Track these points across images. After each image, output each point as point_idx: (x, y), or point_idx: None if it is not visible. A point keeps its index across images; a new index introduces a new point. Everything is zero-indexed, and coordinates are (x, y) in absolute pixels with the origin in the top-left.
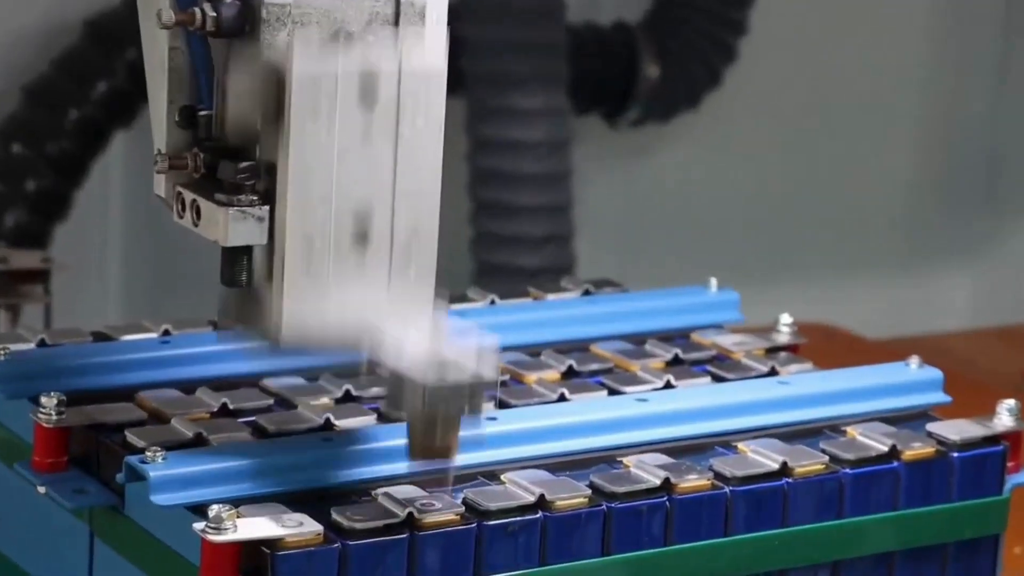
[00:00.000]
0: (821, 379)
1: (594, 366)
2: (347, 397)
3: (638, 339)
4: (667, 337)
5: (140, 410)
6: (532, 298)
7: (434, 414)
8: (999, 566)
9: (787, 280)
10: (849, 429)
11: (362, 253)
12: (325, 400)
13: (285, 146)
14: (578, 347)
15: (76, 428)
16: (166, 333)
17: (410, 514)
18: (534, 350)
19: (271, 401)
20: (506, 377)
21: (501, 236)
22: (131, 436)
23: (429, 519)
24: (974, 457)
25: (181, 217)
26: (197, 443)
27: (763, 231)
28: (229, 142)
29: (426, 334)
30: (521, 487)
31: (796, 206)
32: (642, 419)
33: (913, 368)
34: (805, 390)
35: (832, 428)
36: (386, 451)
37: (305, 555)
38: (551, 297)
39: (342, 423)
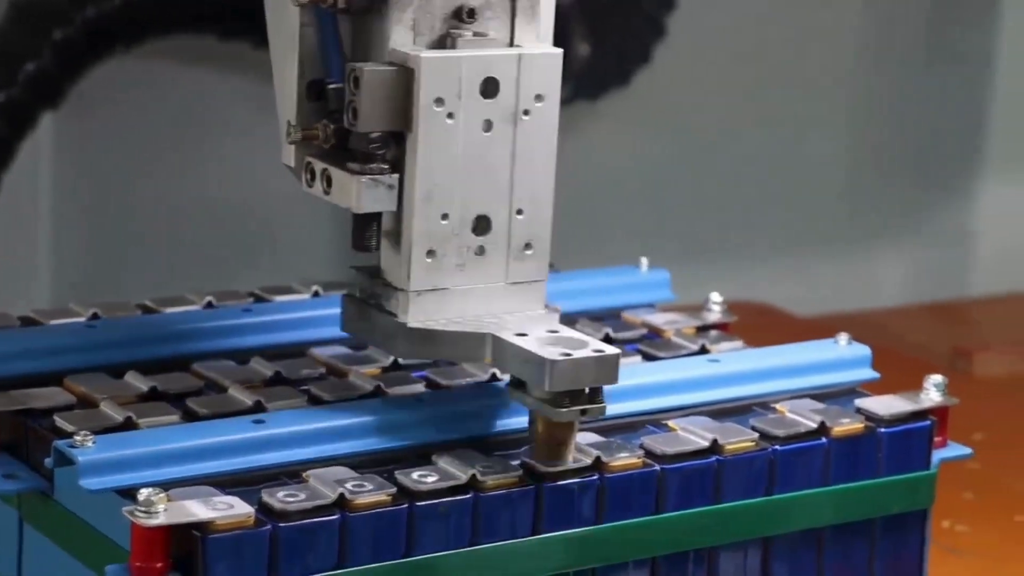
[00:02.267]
0: (751, 357)
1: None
2: (278, 379)
3: (568, 319)
4: (598, 317)
5: (68, 394)
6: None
7: (561, 401)
8: (927, 540)
9: (719, 259)
10: (778, 406)
11: (482, 251)
12: (256, 383)
13: (414, 140)
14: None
15: (4, 413)
16: (94, 317)
17: (341, 495)
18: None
19: (201, 384)
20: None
21: None
22: (60, 421)
23: (360, 500)
24: (902, 432)
25: (310, 186)
26: (126, 427)
27: (695, 210)
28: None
29: (545, 327)
30: (452, 468)
31: (728, 184)
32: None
33: (842, 345)
34: (735, 368)
35: (762, 405)
36: (316, 433)
37: (236, 538)
38: (278, 299)
39: (272, 405)
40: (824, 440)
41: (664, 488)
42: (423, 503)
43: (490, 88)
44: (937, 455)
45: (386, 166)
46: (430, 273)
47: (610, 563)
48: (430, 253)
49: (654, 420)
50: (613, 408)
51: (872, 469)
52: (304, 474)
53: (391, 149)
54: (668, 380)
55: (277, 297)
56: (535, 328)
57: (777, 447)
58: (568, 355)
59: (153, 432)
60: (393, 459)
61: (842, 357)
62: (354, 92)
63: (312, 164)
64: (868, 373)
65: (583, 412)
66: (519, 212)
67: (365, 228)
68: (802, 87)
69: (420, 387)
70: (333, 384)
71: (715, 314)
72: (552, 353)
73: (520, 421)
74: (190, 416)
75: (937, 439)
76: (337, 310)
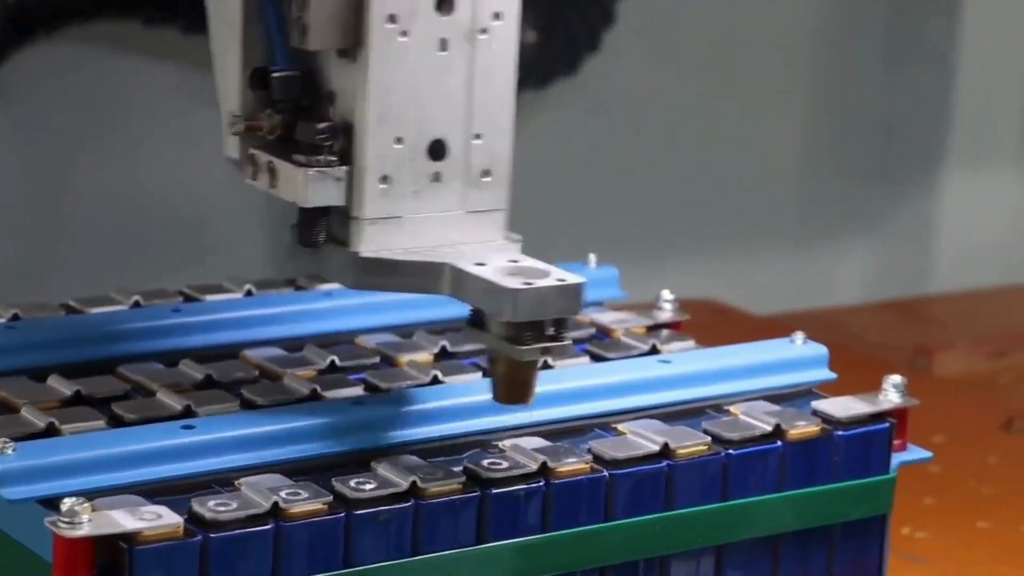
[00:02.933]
0: (704, 357)
1: (470, 347)
2: (208, 383)
3: (406, 331)
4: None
5: None
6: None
7: (520, 338)
8: (887, 547)
9: (671, 255)
10: (732, 408)
11: (438, 178)
12: (185, 386)
13: (365, 58)
14: (451, 327)
15: None
16: (15, 318)
17: (275, 504)
18: (406, 331)
19: (127, 388)
20: (376, 359)
21: None
22: None
23: (295, 509)
24: (860, 435)
25: (254, 179)
26: (49, 433)
27: (647, 203)
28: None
29: (505, 257)
30: (391, 474)
31: (682, 176)
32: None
33: (798, 344)
34: (687, 368)
35: (715, 407)
36: (249, 439)
37: (164, 549)
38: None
39: (203, 410)
40: (779, 443)
41: (613, 494)
42: (361, 512)
43: (445, 4)
44: (896, 459)
45: (334, 158)
46: (384, 200)
47: (557, 573)
48: (384, 179)
49: (602, 424)
50: (559, 411)
51: (829, 473)
52: (236, 482)
53: (339, 140)
54: (617, 382)
55: (208, 296)
56: (495, 258)
57: (731, 451)
58: (530, 284)
59: (77, 439)
60: (330, 466)
61: (798, 357)
62: (302, 8)
63: (256, 156)
64: (825, 373)
65: (545, 351)
66: (477, 137)
67: (313, 224)
68: (757, 77)
69: (358, 390)
70: (267, 387)
71: (666, 312)
72: (514, 282)
73: (465, 425)
74: (116, 421)
75: (896, 442)
76: (272, 310)
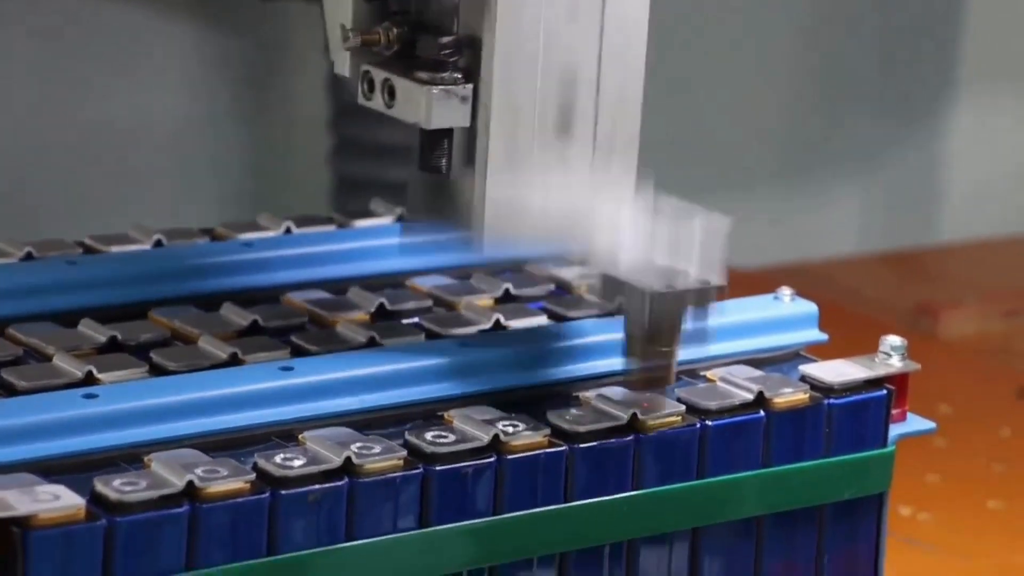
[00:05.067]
0: None
1: (410, 304)
2: (112, 345)
3: (462, 272)
4: (496, 270)
5: None
6: (336, 225)
7: (659, 321)
8: (884, 529)
9: None
10: (709, 373)
11: (567, 135)
12: (86, 349)
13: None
14: (391, 282)
15: None
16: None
17: (190, 483)
18: (340, 286)
19: (20, 352)
20: (305, 319)
21: (364, 144)
22: None
23: (213, 488)
24: (854, 404)
25: (368, 99)
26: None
27: None
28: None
29: (643, 232)
30: (323, 448)
31: (658, 118)
32: (467, 367)
33: (784, 301)
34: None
35: (689, 373)
36: (159, 409)
37: (63, 534)
38: (359, 224)
39: (107, 376)
40: (763, 414)
41: (573, 472)
42: (289, 491)
43: None
44: (895, 430)
45: (459, 75)
46: (510, 167)
47: (510, 560)
48: (510, 152)
49: (561, 392)
50: (514, 377)
51: (819, 447)
52: (145, 458)
53: (464, 56)
54: (578, 344)
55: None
56: (630, 229)
57: (708, 422)
58: (670, 287)
59: None
60: (251, 440)
61: (784, 316)
62: None
63: (371, 74)
64: (815, 334)
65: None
66: (606, 108)
67: (434, 146)
68: (744, 3)
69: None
70: (180, 351)
71: None
72: (650, 282)
73: (404, 393)
74: (8, 390)
75: (895, 412)
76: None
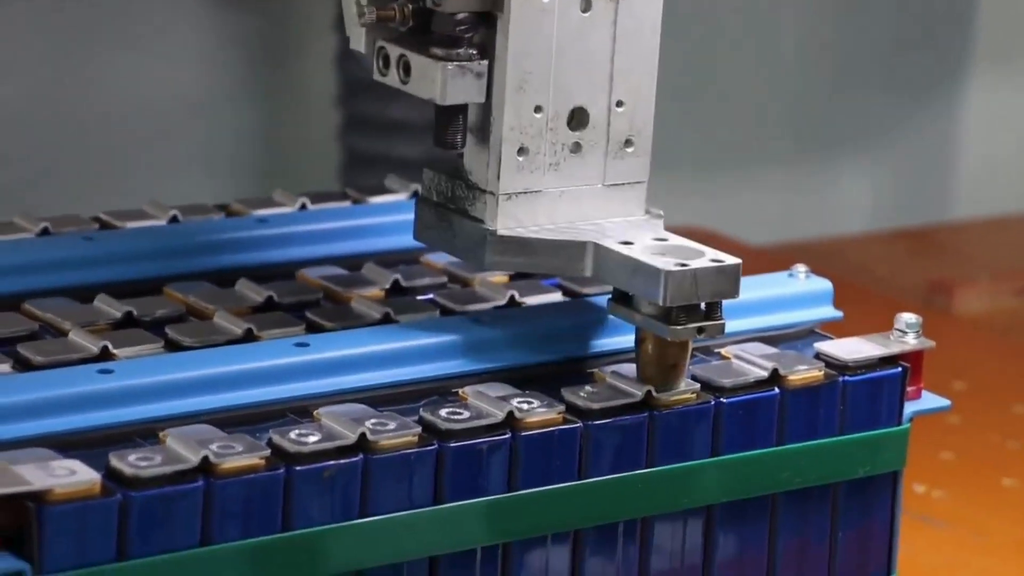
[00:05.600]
0: None
1: (425, 281)
2: (128, 320)
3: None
4: None
5: None
6: (351, 201)
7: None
8: (898, 507)
9: (655, 178)
10: (723, 351)
11: (578, 149)
12: (102, 324)
13: (505, 21)
14: (406, 259)
15: None
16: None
17: (205, 458)
18: (354, 263)
19: (36, 327)
20: (320, 295)
21: (375, 120)
22: None
23: (228, 464)
24: (868, 382)
25: (383, 75)
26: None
27: None
28: None
29: (650, 234)
30: (337, 425)
31: (663, 90)
32: (481, 343)
33: (799, 278)
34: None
35: (704, 350)
36: (174, 384)
37: (79, 509)
38: (374, 200)
39: (122, 352)
40: (777, 391)
41: (588, 449)
42: (303, 467)
43: None
44: (910, 408)
45: (474, 51)
46: (521, 173)
47: (524, 537)
48: (521, 151)
49: (576, 369)
50: (528, 354)
51: (833, 425)
52: (160, 433)
53: (479, 32)
54: (592, 321)
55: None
56: (640, 235)
57: (722, 399)
58: (684, 265)
59: None
60: (266, 416)
61: (799, 293)
62: None
63: (386, 49)
64: (829, 311)
65: (700, 331)
66: (619, 104)
67: (449, 122)
68: None
69: (299, 329)
70: (195, 327)
71: None
72: (666, 263)
73: (419, 370)
74: (24, 365)
75: (910, 389)
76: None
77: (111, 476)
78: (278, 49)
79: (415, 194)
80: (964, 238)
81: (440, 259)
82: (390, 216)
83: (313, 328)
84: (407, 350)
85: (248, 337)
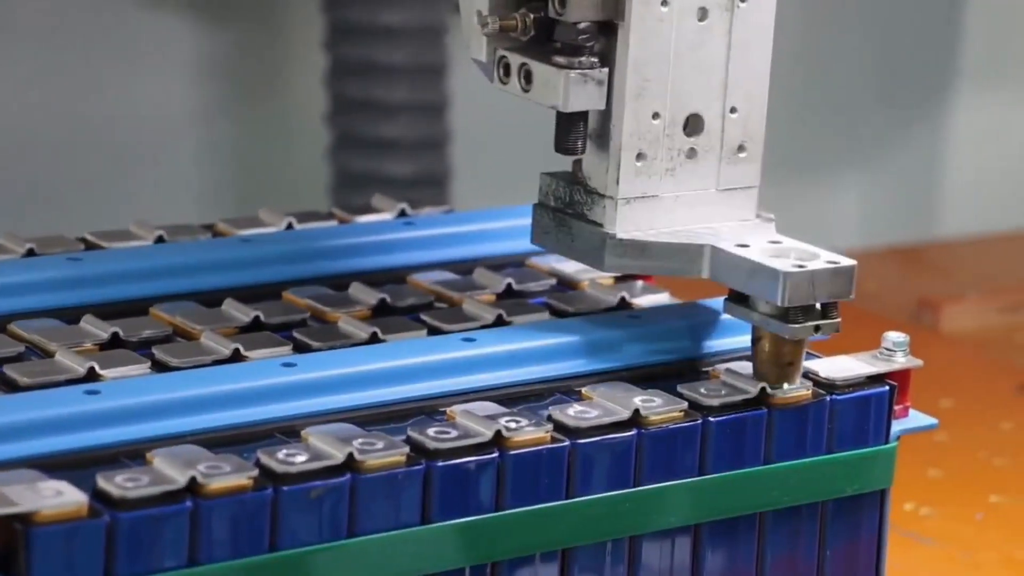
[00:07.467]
0: (679, 311)
1: (412, 300)
2: (114, 341)
3: (464, 267)
4: (498, 264)
5: None
6: (337, 221)
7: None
8: (886, 525)
9: None
10: (711, 370)
11: (693, 155)
12: (88, 345)
13: (626, 30)
14: (393, 278)
15: None
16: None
17: (192, 479)
18: (340, 282)
19: (22, 348)
20: (306, 315)
21: (365, 139)
22: None
23: (215, 485)
24: (856, 400)
25: (504, 83)
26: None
27: None
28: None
29: (764, 237)
30: (324, 444)
31: None
32: (469, 362)
33: None
34: (659, 325)
35: (691, 369)
36: (161, 405)
37: (66, 530)
38: (360, 219)
39: (109, 372)
40: (764, 410)
41: (575, 468)
42: (291, 487)
43: None
44: (898, 426)
45: (595, 59)
46: (639, 178)
47: (512, 556)
48: (640, 156)
49: (564, 387)
50: (516, 374)
51: (821, 443)
52: (148, 454)
53: (599, 41)
54: (581, 340)
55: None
56: (755, 238)
57: (709, 418)
58: (802, 267)
59: None
60: (253, 436)
61: None
62: None
63: (507, 59)
64: None
65: (817, 328)
66: (733, 111)
67: (571, 128)
68: None
69: (286, 349)
70: (182, 347)
71: None
72: (784, 264)
73: (407, 390)
74: (10, 387)
75: (898, 407)
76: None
77: (98, 497)
78: (267, 68)
79: (402, 213)
80: (951, 255)
81: (427, 278)
82: (377, 235)
83: (300, 348)
84: (393, 370)
85: (235, 357)
